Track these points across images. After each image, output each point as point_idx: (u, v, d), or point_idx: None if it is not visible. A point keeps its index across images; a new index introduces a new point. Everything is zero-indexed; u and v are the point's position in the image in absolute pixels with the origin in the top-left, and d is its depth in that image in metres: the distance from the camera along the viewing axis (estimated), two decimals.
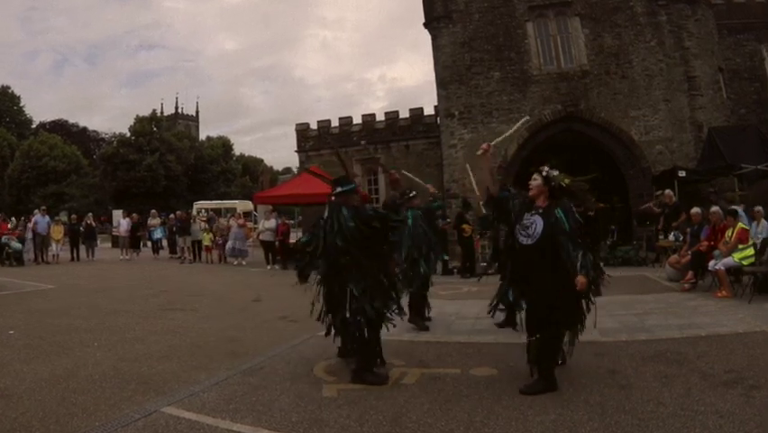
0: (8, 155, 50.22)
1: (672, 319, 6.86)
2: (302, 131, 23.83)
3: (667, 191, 12.97)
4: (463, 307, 8.52)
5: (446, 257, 14.07)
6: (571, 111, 17.56)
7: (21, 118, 59.20)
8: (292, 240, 17.44)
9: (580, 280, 4.17)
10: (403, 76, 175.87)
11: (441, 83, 18.76)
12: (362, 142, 22.45)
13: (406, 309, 5.35)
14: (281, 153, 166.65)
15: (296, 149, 24.06)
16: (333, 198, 4.93)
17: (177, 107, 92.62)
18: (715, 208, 9.61)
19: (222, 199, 44.65)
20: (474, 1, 18.56)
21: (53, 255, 17.30)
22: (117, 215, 29.15)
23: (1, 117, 56.64)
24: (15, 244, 16.16)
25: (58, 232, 17.71)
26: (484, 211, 7.95)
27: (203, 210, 30.39)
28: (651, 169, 16.71)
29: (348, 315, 4.61)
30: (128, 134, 51.48)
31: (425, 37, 23.27)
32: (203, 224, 19.47)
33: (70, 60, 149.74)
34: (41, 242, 17.10)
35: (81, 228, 19.17)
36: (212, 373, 4.99)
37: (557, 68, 17.97)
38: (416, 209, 7.23)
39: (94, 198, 48.42)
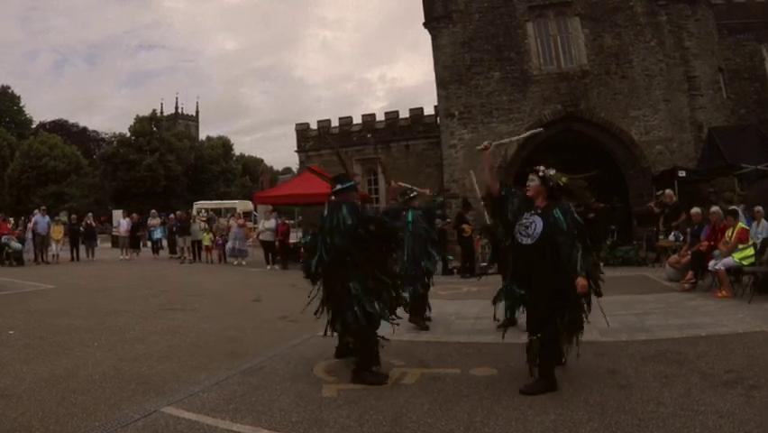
0: (8, 155, 50.21)
1: (671, 319, 6.86)
2: (302, 131, 23.85)
3: (668, 191, 12.97)
4: (463, 307, 8.52)
5: (451, 257, 14.08)
6: (571, 111, 17.56)
7: (21, 118, 59.18)
8: (292, 240, 17.50)
9: (581, 282, 4.17)
10: (403, 76, 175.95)
11: (441, 83, 18.77)
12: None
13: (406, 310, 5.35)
14: (281, 153, 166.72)
15: (296, 149, 24.10)
16: (332, 197, 4.94)
17: (177, 107, 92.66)
18: (715, 208, 9.61)
19: (222, 199, 44.67)
20: (474, 1, 18.57)
21: (53, 255, 17.30)
22: (117, 215, 29.17)
23: (1, 117, 56.62)
24: (15, 244, 16.15)
25: (58, 232, 17.70)
26: (488, 221, 7.93)
27: (203, 210, 30.40)
28: (651, 169, 16.72)
29: (349, 315, 4.61)
30: (128, 134, 51.48)
31: (425, 37, 23.29)
32: (203, 224, 19.48)
33: (70, 60, 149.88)
34: (41, 242, 17.09)
35: (81, 228, 19.16)
36: (212, 373, 4.98)
37: (557, 68, 17.98)
38: (417, 209, 7.24)
39: (94, 198, 48.41)
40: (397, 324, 5.05)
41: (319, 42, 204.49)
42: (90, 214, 21.10)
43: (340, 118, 23.48)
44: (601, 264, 4.79)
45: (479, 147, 5.05)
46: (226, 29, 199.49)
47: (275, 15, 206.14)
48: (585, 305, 4.46)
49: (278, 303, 9.34)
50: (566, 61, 17.97)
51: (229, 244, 17.25)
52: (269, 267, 15.87)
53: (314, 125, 23.76)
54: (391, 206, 6.27)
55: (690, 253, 9.68)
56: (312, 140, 23.51)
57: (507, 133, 17.80)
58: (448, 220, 14.26)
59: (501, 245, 4.95)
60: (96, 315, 7.91)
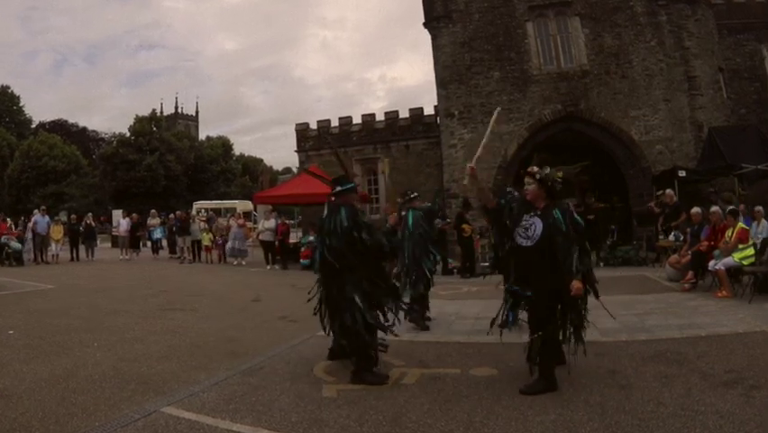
0: (8, 155, 50.19)
1: (672, 319, 6.86)
2: (302, 131, 23.83)
3: (668, 191, 12.96)
4: (463, 307, 8.51)
5: (450, 261, 14.07)
6: (571, 111, 17.56)
7: (20, 118, 59.18)
8: (292, 240, 17.50)
9: (575, 285, 4.18)
10: (403, 76, 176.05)
11: (441, 83, 18.76)
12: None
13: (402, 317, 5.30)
14: (281, 153, 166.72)
15: (295, 149, 24.07)
16: (332, 198, 4.94)
17: (176, 107, 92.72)
18: (715, 208, 9.61)
19: (221, 199, 44.69)
20: (474, 1, 18.56)
21: (53, 255, 17.29)
22: (117, 215, 29.14)
23: (1, 117, 56.63)
24: (15, 244, 16.15)
25: (57, 232, 17.70)
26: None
27: (202, 210, 30.39)
28: (651, 169, 16.71)
29: (347, 317, 4.60)
30: (128, 134, 51.49)
31: (425, 37, 23.29)
32: (202, 224, 19.48)
33: (70, 60, 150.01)
34: (41, 242, 17.09)
35: (81, 228, 19.16)
36: (212, 373, 4.98)
37: (557, 67, 17.97)
38: (417, 210, 7.25)
39: (93, 198, 48.41)
40: (396, 334, 4.98)
41: (319, 42, 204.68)
42: (90, 214, 21.09)
43: (340, 118, 23.47)
44: (598, 265, 4.79)
45: (465, 181, 5.03)
46: (226, 29, 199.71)
47: (275, 15, 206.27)
48: (583, 305, 4.46)
49: (277, 303, 9.34)
50: (566, 61, 17.96)
51: (229, 244, 17.24)
52: (268, 267, 15.87)
53: (314, 125, 23.74)
54: (384, 228, 6.33)
55: (690, 253, 9.68)
56: (312, 140, 23.49)
57: (507, 132, 17.82)
58: (448, 220, 14.24)
59: (500, 250, 4.91)
60: (95, 315, 7.91)
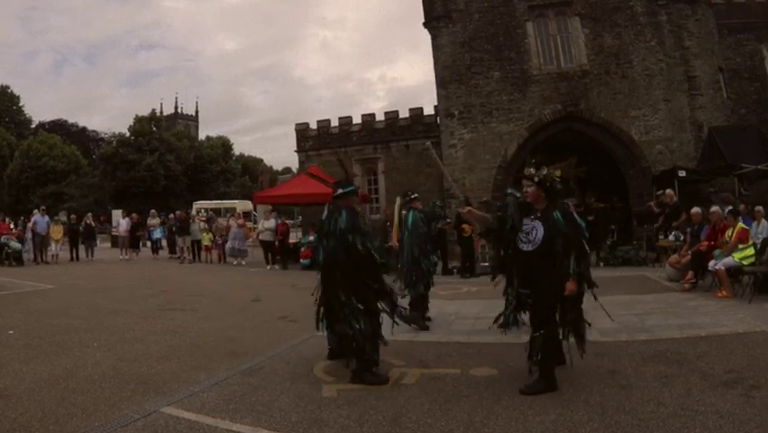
0: (7, 155, 50.20)
1: (672, 319, 6.86)
2: (302, 131, 23.81)
3: (668, 191, 12.96)
4: (463, 307, 8.51)
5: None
6: (571, 111, 17.54)
7: (20, 118, 59.19)
8: (292, 240, 17.51)
9: (569, 286, 4.20)
10: (403, 76, 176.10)
11: (441, 83, 18.74)
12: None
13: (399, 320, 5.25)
14: (281, 153, 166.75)
15: (295, 149, 24.04)
16: (334, 200, 4.94)
17: (176, 107, 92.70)
18: (715, 208, 9.60)
19: (221, 199, 44.70)
20: (474, 1, 18.53)
21: (53, 255, 17.29)
22: (117, 215, 29.16)
23: (0, 117, 56.62)
24: (15, 244, 16.15)
25: (57, 232, 17.70)
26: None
27: (202, 210, 30.39)
28: (651, 168, 16.70)
29: (347, 327, 4.61)
30: (127, 134, 51.48)
31: (425, 37, 23.20)
32: (202, 224, 19.48)
33: (70, 60, 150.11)
34: (41, 242, 17.09)
35: (80, 228, 19.16)
36: (211, 373, 4.98)
37: (557, 67, 17.95)
38: (418, 211, 7.25)
39: (93, 198, 48.42)
40: (386, 343, 4.86)
41: (319, 42, 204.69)
42: (90, 214, 21.10)
43: (340, 118, 23.45)
44: (598, 265, 4.79)
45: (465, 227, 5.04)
46: (226, 29, 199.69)
47: (275, 15, 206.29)
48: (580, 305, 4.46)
49: (277, 303, 9.34)
50: (566, 61, 17.94)
51: (229, 244, 17.24)
52: (268, 267, 15.87)
53: (313, 125, 23.71)
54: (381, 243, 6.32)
55: (690, 253, 9.68)
56: (312, 140, 23.47)
57: (507, 132, 17.81)
58: (448, 220, 14.22)
59: (502, 255, 4.88)
60: (95, 315, 7.91)
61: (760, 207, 9.53)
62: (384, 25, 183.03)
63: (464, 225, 13.68)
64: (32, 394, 4.29)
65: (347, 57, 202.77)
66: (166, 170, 49.60)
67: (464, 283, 11.68)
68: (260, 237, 16.66)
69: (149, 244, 21.00)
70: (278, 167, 70.15)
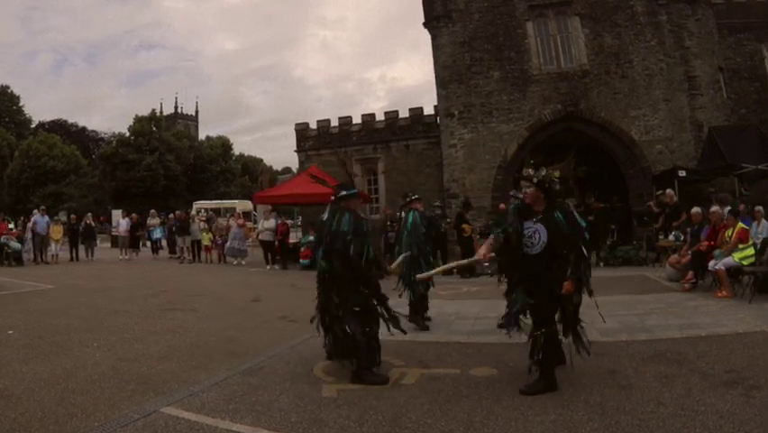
0: (7, 155, 50.19)
1: (672, 319, 6.86)
2: (301, 131, 23.79)
3: (668, 191, 12.96)
4: (463, 307, 8.51)
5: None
6: (571, 111, 17.54)
7: (20, 118, 59.20)
8: (292, 240, 17.50)
9: (566, 286, 4.20)
10: (403, 75, 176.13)
11: (441, 83, 18.73)
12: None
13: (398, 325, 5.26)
14: (281, 153, 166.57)
15: (295, 149, 24.03)
16: (335, 201, 4.94)
17: (176, 107, 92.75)
18: (715, 208, 9.60)
19: (221, 199, 44.70)
20: (474, 1, 18.53)
21: (52, 255, 17.29)
22: (116, 214, 29.16)
23: (0, 117, 56.61)
24: (15, 244, 16.14)
25: (57, 232, 17.69)
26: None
27: (202, 210, 30.39)
28: (651, 168, 16.70)
29: (347, 328, 4.61)
30: (127, 134, 51.51)
31: (425, 37, 23.23)
32: (202, 223, 19.46)
33: (70, 60, 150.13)
34: (41, 242, 17.08)
35: (80, 228, 19.15)
36: (211, 373, 4.98)
37: (557, 67, 17.94)
38: (418, 212, 7.24)
39: (93, 198, 48.43)
40: (377, 348, 4.85)
41: (319, 42, 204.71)
42: (89, 214, 21.08)
43: (339, 118, 23.43)
44: (598, 265, 4.79)
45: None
46: (226, 29, 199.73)
47: (275, 15, 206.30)
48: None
49: (277, 303, 9.34)
50: (566, 61, 17.93)
51: (228, 244, 17.24)
52: (268, 267, 15.87)
53: (313, 125, 23.70)
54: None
55: (690, 252, 9.68)
56: (311, 140, 23.45)
57: (507, 132, 17.82)
58: (448, 220, 14.24)
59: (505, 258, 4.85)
60: (95, 315, 7.91)
61: (760, 207, 9.53)
62: (384, 25, 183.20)
63: (464, 225, 13.69)
64: (31, 394, 4.29)
65: (347, 57, 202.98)
66: (166, 170, 49.61)
67: (464, 283, 11.67)
68: (260, 237, 16.66)
69: (149, 244, 21.00)
70: (277, 167, 70.24)
